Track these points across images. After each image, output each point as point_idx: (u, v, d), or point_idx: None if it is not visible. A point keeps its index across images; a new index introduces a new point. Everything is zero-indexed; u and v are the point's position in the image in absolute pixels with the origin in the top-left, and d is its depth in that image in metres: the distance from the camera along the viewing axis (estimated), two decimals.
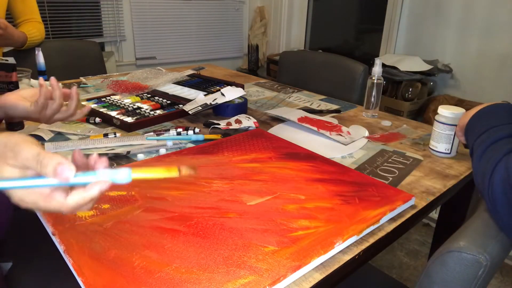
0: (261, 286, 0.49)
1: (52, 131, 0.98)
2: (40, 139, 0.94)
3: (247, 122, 1.06)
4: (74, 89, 0.82)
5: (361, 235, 0.61)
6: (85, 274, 0.50)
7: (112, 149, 0.90)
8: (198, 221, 0.62)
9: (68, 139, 0.95)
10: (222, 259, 0.54)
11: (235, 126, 1.04)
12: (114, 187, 0.70)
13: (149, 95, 1.26)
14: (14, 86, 0.96)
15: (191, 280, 0.50)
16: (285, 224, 0.62)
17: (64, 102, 0.82)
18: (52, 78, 0.81)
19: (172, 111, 1.12)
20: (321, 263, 0.56)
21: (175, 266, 0.52)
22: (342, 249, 0.59)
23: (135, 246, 0.56)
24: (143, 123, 1.04)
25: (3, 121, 1.00)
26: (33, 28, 1.58)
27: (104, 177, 0.42)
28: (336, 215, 0.65)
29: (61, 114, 0.80)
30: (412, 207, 0.71)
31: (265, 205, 0.67)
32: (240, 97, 1.18)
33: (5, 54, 1.59)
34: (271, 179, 0.76)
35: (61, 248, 0.55)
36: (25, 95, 0.79)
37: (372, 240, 0.61)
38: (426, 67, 2.08)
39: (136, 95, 1.25)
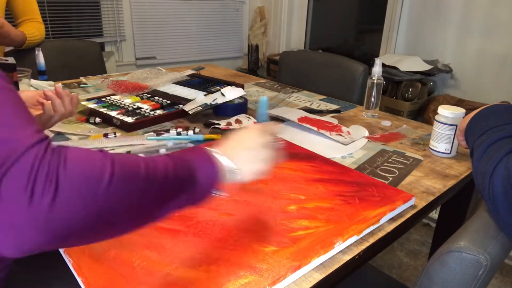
0: (261, 286, 0.49)
1: (52, 131, 0.98)
2: None
3: (247, 122, 1.06)
4: (75, 96, 0.84)
5: (361, 235, 0.61)
6: (85, 274, 0.50)
7: (112, 149, 0.90)
8: (199, 221, 0.62)
9: (68, 139, 0.95)
10: (222, 259, 0.54)
11: (235, 126, 1.04)
12: None
13: (149, 95, 1.26)
14: (14, 86, 0.96)
15: (191, 280, 0.50)
16: (285, 224, 0.62)
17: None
18: (57, 87, 0.81)
19: (172, 111, 1.12)
20: (321, 263, 0.56)
21: (175, 266, 0.52)
22: (342, 249, 0.59)
23: (135, 246, 0.56)
24: (143, 123, 1.04)
25: None
26: (33, 28, 1.58)
27: None
28: (336, 215, 0.65)
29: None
30: (412, 207, 0.71)
31: (265, 205, 0.67)
32: (240, 97, 1.18)
33: (5, 54, 1.59)
34: (271, 179, 0.76)
35: (61, 248, 0.55)
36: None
37: (372, 240, 0.61)
38: (426, 67, 2.07)
39: (136, 95, 1.25)
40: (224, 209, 0.65)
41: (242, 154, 0.53)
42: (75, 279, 0.51)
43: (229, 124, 1.04)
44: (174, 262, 0.53)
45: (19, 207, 0.31)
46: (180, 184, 0.44)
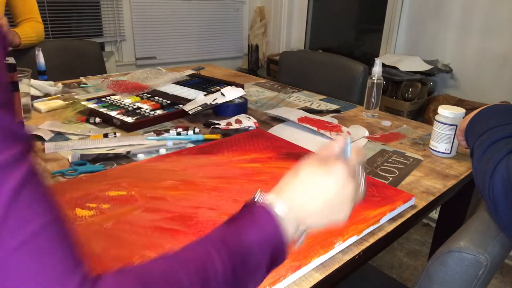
0: (261, 286, 0.49)
1: (52, 131, 0.98)
2: (40, 139, 0.94)
3: (247, 122, 1.06)
4: None
5: (361, 235, 0.61)
6: None
7: (112, 149, 0.90)
8: (199, 221, 0.62)
9: (68, 139, 0.95)
10: None
11: (235, 126, 1.04)
12: (114, 186, 0.70)
13: (149, 95, 1.26)
14: (14, 86, 0.96)
15: None
16: None
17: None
18: None
19: (172, 111, 1.12)
20: (321, 263, 0.56)
21: None
22: (342, 249, 0.59)
23: (135, 247, 0.56)
24: (143, 123, 1.04)
25: None
26: (29, 28, 1.57)
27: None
28: None
29: None
30: (412, 207, 0.71)
31: None
32: (240, 97, 1.18)
33: None
34: (271, 179, 0.76)
35: None
36: None
37: (372, 240, 0.61)
38: (426, 67, 2.07)
39: (136, 95, 1.25)
40: (224, 209, 0.65)
41: (316, 210, 0.40)
42: None
43: (229, 124, 1.04)
44: None
45: None
46: (245, 278, 0.37)
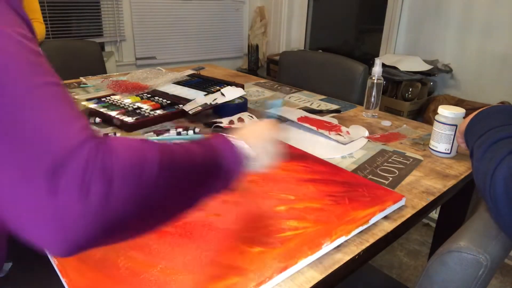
0: (247, 287, 0.49)
1: None
2: None
3: (250, 121, 1.06)
4: None
5: (349, 236, 0.61)
6: (69, 275, 0.50)
7: None
8: (186, 222, 0.62)
9: None
10: (208, 260, 0.54)
11: (237, 125, 1.04)
12: None
13: (149, 95, 1.26)
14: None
15: (177, 281, 0.50)
16: (274, 225, 0.62)
17: None
18: None
19: (172, 111, 1.12)
20: (321, 263, 0.56)
21: (160, 267, 0.52)
22: (342, 249, 0.59)
23: (120, 247, 0.55)
24: (143, 123, 1.04)
25: None
26: (36, 27, 1.57)
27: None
28: (325, 215, 0.65)
29: None
30: (412, 207, 0.71)
31: (254, 206, 0.67)
32: (240, 97, 1.18)
33: None
34: (261, 179, 0.76)
35: None
36: None
37: (372, 240, 0.61)
38: (426, 67, 2.07)
39: (136, 95, 1.25)
40: (213, 209, 0.65)
41: (257, 143, 0.54)
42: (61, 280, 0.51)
43: (231, 122, 1.04)
44: (159, 263, 0.53)
45: (75, 204, 0.31)
46: (210, 170, 0.46)
